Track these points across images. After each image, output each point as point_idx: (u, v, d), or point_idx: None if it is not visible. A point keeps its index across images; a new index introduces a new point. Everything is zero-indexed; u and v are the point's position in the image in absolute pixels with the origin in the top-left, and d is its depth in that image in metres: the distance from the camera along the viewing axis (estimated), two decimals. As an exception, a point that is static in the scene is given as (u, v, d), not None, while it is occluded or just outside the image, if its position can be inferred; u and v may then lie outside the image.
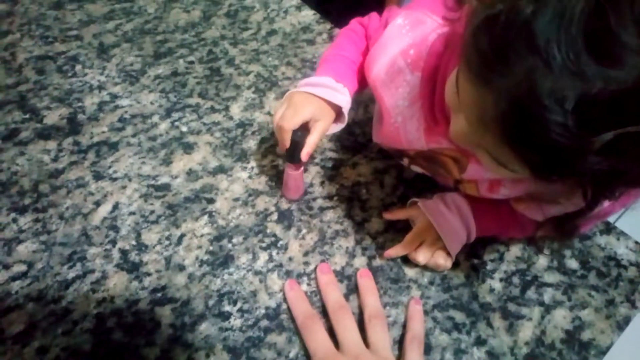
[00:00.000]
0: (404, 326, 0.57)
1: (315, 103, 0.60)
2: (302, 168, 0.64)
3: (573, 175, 0.34)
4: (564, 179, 0.35)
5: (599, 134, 0.29)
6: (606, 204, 0.45)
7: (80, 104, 0.78)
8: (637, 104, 0.28)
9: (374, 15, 0.66)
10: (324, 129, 0.61)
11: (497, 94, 0.33)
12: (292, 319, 0.56)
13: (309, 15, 0.98)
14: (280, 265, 0.61)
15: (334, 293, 0.57)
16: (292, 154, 0.60)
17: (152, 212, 0.65)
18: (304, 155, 0.60)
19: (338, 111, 0.62)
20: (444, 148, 0.54)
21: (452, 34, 0.49)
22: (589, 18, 0.28)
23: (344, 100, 0.61)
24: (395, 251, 0.61)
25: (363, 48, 0.65)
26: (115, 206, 0.65)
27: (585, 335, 0.58)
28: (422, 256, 0.60)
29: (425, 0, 0.55)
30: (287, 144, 0.59)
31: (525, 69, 0.30)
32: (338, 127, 0.65)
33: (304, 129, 0.60)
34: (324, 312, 0.57)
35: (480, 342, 0.56)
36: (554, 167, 0.33)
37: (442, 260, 0.60)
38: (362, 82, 0.63)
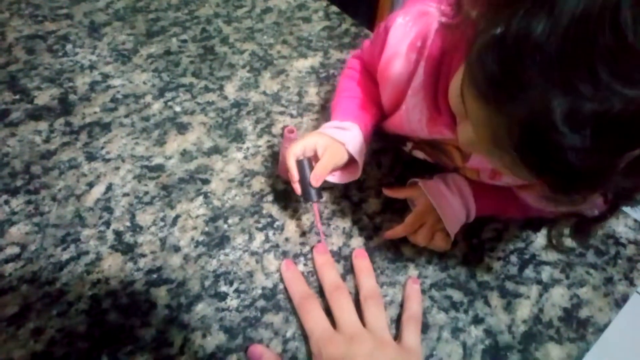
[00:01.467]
0: (402, 305, 0.56)
1: (322, 136, 0.58)
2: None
3: (594, 192, 0.34)
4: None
5: (622, 154, 0.28)
6: None
7: (71, 84, 0.76)
8: None
9: (365, 42, 0.67)
10: (333, 156, 0.58)
11: (509, 119, 0.31)
12: (289, 299, 0.56)
13: (304, -8, 0.96)
14: (277, 246, 0.61)
15: (330, 273, 0.57)
16: (304, 186, 0.57)
17: (147, 193, 0.64)
18: (313, 178, 0.57)
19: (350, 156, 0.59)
20: (447, 139, 0.53)
21: (449, 38, 0.48)
22: (605, 37, 0.26)
23: (348, 135, 0.58)
24: (395, 232, 0.61)
25: (363, 79, 0.66)
26: (109, 187, 0.64)
27: (583, 313, 0.57)
28: (422, 238, 0.59)
29: None
30: (294, 171, 0.57)
31: (539, 94, 0.28)
32: (352, 177, 0.61)
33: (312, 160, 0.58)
34: (321, 292, 0.56)
35: (477, 320, 0.56)
36: (575, 187, 0.32)
37: (442, 243, 0.59)
38: (378, 111, 0.63)
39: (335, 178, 0.61)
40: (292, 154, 0.57)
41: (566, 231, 0.58)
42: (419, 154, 0.63)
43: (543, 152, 0.30)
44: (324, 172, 0.57)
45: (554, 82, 0.28)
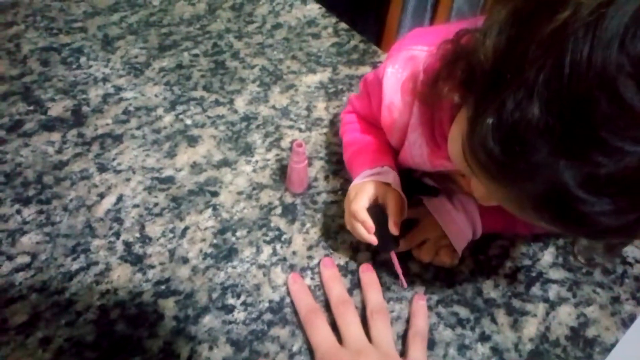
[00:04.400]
0: (408, 321, 0.56)
1: (371, 184, 0.57)
2: (306, 161, 0.63)
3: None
4: None
5: None
6: None
7: (84, 96, 0.77)
8: None
9: (352, 97, 0.68)
10: (396, 199, 0.56)
11: (528, 195, 0.32)
12: (296, 312, 0.56)
13: (314, 9, 0.98)
14: (284, 259, 0.61)
15: (337, 287, 0.57)
16: (382, 234, 0.55)
17: (156, 204, 0.65)
18: (392, 225, 0.54)
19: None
20: (451, 170, 0.54)
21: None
22: (606, 103, 0.27)
23: (391, 177, 0.58)
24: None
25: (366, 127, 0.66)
26: (119, 198, 0.65)
27: (590, 332, 0.57)
28: (425, 254, 0.60)
29: (405, 40, 0.56)
30: (371, 222, 0.55)
31: (551, 171, 0.29)
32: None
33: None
34: (328, 306, 0.56)
35: (484, 337, 0.56)
36: (606, 237, 0.34)
37: (447, 258, 0.59)
38: (391, 148, 0.63)
39: None
40: (362, 208, 0.55)
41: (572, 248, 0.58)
42: (428, 181, 0.64)
43: (571, 219, 0.31)
44: (401, 217, 0.56)
45: (563, 157, 0.29)
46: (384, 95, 0.56)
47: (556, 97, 0.28)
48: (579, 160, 0.28)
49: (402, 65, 0.54)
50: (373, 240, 0.56)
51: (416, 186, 0.63)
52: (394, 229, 0.55)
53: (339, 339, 0.52)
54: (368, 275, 0.59)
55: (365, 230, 0.55)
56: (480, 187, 0.41)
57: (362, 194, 0.56)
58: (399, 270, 0.57)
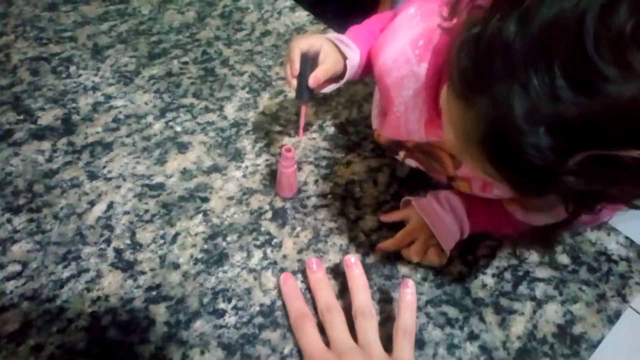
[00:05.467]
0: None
1: (328, 42, 0.59)
2: (295, 166, 0.64)
3: (551, 193, 0.35)
4: (544, 195, 0.36)
5: (571, 156, 0.30)
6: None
7: (74, 105, 0.78)
8: (606, 129, 0.29)
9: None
10: (334, 64, 0.59)
11: (477, 114, 0.33)
12: (286, 315, 0.56)
13: (302, 16, 0.99)
14: (275, 263, 0.61)
15: (324, 293, 0.57)
16: (303, 82, 0.57)
17: (147, 211, 0.65)
18: (312, 76, 0.57)
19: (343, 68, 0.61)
20: (442, 142, 0.55)
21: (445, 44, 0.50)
22: (568, 44, 0.28)
23: (352, 54, 0.60)
24: (385, 246, 0.62)
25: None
26: (110, 206, 0.65)
27: (577, 329, 0.58)
28: (414, 253, 0.60)
29: None
30: (297, 65, 0.57)
31: (504, 91, 0.31)
32: (334, 86, 0.64)
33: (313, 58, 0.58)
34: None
35: (473, 337, 0.57)
36: (532, 186, 0.34)
37: (435, 258, 0.60)
38: (368, 65, 0.64)
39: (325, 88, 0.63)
40: (298, 47, 0.57)
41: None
42: (412, 163, 0.64)
43: (503, 148, 0.32)
44: (324, 76, 0.58)
45: (517, 81, 0.30)
46: (390, 27, 0.56)
47: (536, 23, 0.29)
48: (528, 89, 0.30)
49: (422, 15, 0.55)
50: (292, 83, 0.58)
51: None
52: (311, 81, 0.57)
53: (327, 342, 0.53)
54: (355, 274, 0.58)
55: (290, 71, 0.58)
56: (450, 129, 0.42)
57: (310, 39, 0.58)
58: (301, 123, 0.61)
